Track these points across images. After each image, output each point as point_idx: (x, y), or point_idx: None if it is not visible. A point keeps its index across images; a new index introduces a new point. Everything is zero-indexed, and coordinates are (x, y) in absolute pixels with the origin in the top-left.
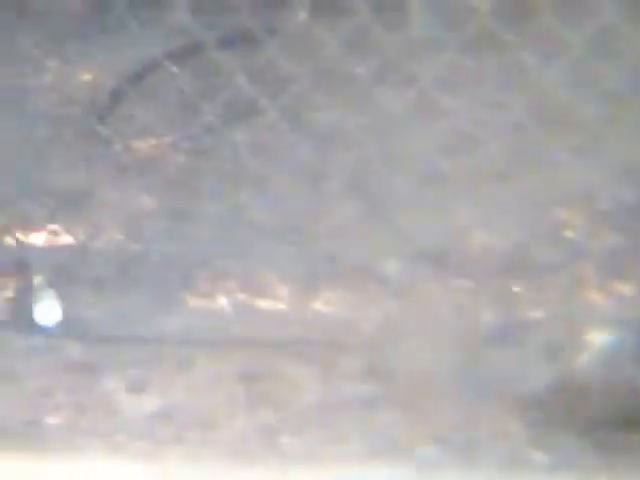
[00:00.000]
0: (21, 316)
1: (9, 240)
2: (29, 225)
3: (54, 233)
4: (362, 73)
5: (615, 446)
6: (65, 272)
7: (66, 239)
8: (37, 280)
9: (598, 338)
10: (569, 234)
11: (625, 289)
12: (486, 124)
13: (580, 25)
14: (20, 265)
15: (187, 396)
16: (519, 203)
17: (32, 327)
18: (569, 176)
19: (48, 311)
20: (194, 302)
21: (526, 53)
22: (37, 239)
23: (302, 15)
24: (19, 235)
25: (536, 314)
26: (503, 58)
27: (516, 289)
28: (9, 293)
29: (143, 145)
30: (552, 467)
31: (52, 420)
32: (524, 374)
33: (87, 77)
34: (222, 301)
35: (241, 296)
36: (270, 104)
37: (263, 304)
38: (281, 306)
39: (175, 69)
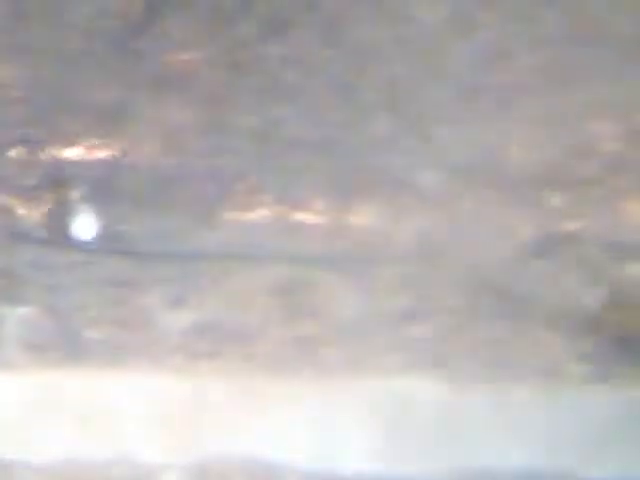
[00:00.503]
0: (59, 231)
1: (45, 156)
2: (65, 140)
3: (90, 148)
4: None
5: None
6: (102, 187)
7: (102, 154)
8: (74, 195)
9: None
10: (605, 147)
11: None
12: (521, 38)
13: None
14: (57, 180)
15: (224, 310)
16: (554, 117)
17: (70, 242)
18: (604, 90)
19: (86, 226)
20: (230, 216)
21: None
22: (73, 154)
23: None
24: (55, 150)
25: (573, 227)
26: None
27: (553, 202)
28: (47, 208)
29: (178, 59)
30: (588, 378)
31: (91, 334)
32: (562, 287)
33: None
34: (258, 215)
35: (277, 210)
36: (305, 19)
37: (299, 217)
38: (316, 219)
39: None
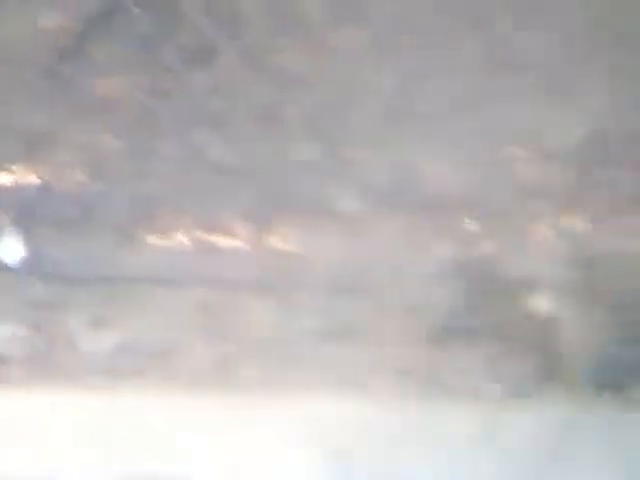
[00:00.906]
0: None
1: None
2: None
3: (16, 173)
4: (319, 16)
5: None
6: (28, 212)
7: (29, 179)
8: (1, 219)
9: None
10: (521, 170)
11: (577, 225)
12: (441, 63)
13: None
14: None
15: (147, 331)
16: (473, 140)
17: None
18: (521, 114)
19: (12, 250)
20: (153, 240)
21: None
22: (0, 179)
23: None
24: None
25: (489, 249)
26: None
27: (469, 225)
28: None
29: (105, 85)
30: (506, 397)
31: (14, 354)
32: (479, 309)
33: (49, 17)
34: (182, 239)
35: (199, 234)
36: (230, 46)
37: (220, 241)
38: (239, 243)
39: (137, 10)
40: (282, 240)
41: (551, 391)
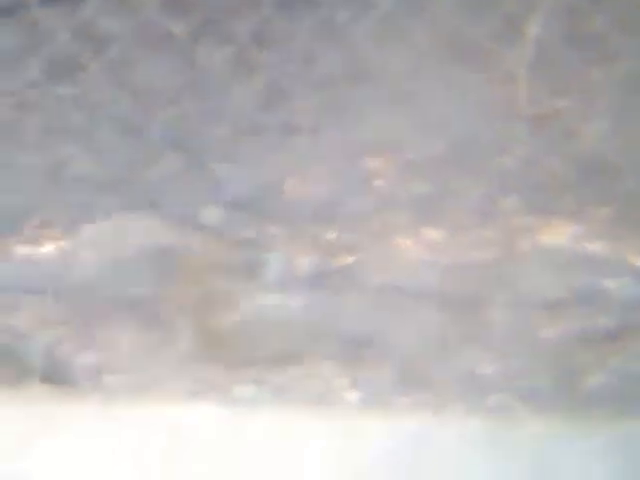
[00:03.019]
0: None
1: None
2: None
3: None
4: (181, 31)
5: None
6: None
7: None
8: None
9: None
10: (379, 182)
11: (434, 235)
12: (299, 78)
13: None
14: None
15: (12, 341)
16: (331, 154)
17: None
18: (379, 127)
19: None
20: (19, 251)
21: (337, 9)
22: None
23: None
24: None
25: (348, 260)
26: (315, 15)
27: (329, 236)
28: None
29: None
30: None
31: None
32: (339, 318)
33: None
34: (46, 249)
35: (66, 244)
36: (92, 61)
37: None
38: None
39: None
40: None
41: None
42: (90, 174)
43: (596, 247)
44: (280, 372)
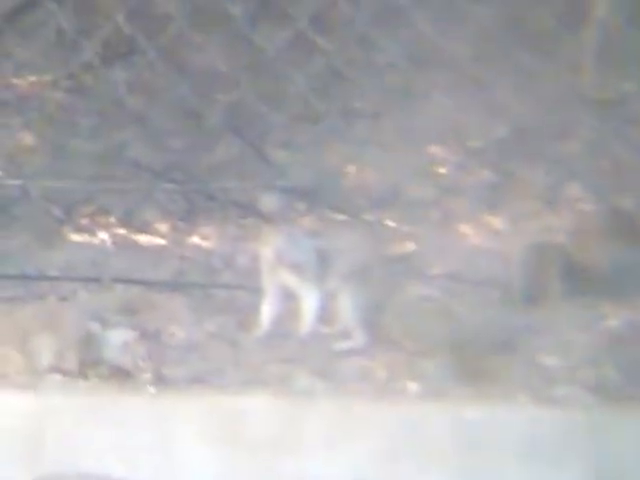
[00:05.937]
0: None
1: None
2: None
3: None
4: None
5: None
6: None
7: None
8: None
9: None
10: (441, 170)
11: (495, 223)
12: (360, 64)
13: None
14: None
15: (71, 329)
16: (393, 140)
17: None
18: (442, 114)
19: None
20: (74, 238)
21: None
22: None
23: None
24: None
25: (409, 248)
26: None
27: (389, 223)
28: None
29: (22, 82)
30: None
31: None
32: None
33: None
34: (102, 237)
35: (121, 232)
36: (148, 43)
37: (142, 240)
38: (160, 241)
39: (54, 6)
40: (204, 239)
41: None
42: (146, 160)
43: None
44: None
